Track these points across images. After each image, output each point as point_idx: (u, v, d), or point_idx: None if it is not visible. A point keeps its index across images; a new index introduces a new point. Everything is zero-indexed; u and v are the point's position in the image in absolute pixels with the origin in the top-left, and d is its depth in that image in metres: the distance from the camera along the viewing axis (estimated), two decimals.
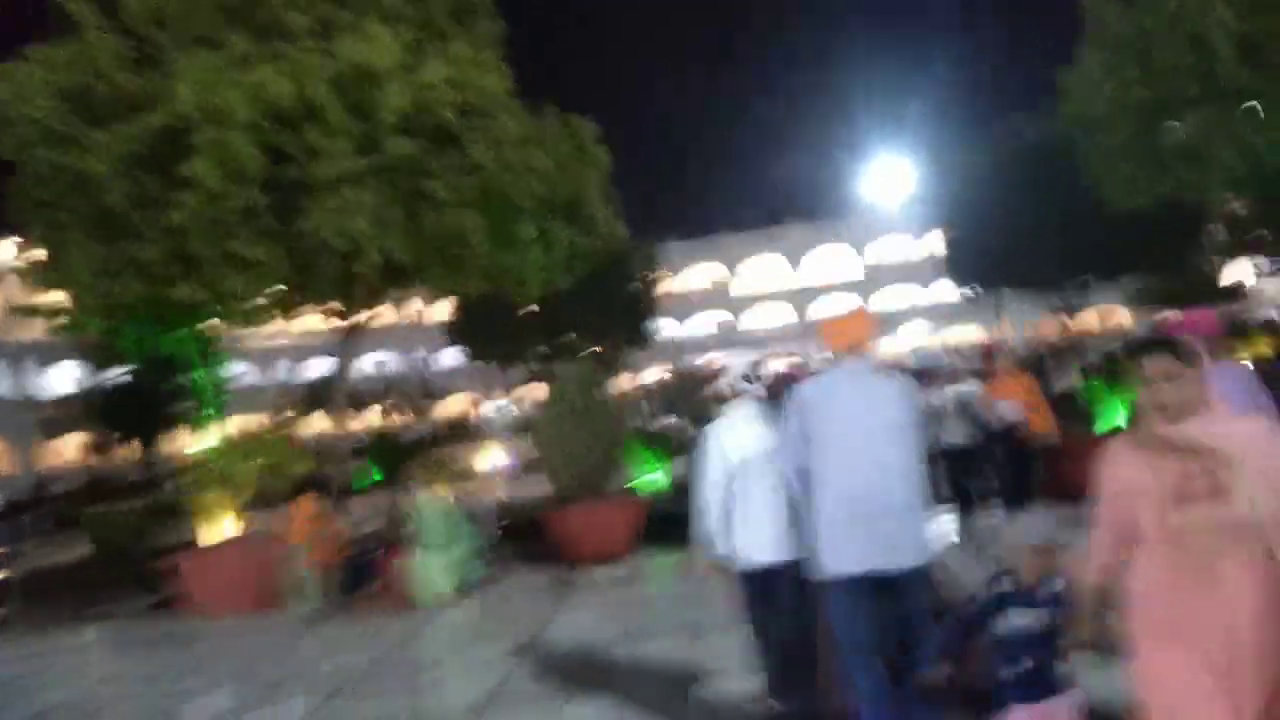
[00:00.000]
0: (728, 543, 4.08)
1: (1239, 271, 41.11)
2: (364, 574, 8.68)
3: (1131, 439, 2.52)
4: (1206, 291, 42.99)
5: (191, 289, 10.70)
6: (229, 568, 9.26)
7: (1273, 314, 40.78)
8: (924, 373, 8.79)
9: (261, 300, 12.36)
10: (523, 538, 10.29)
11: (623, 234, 13.87)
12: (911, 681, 3.38)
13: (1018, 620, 2.88)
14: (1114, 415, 8.94)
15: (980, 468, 8.20)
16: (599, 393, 9.09)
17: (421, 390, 55.63)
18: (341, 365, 13.36)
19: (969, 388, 8.22)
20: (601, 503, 9.09)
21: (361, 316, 13.68)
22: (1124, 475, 2.43)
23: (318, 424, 52.11)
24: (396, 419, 53.22)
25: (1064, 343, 37.37)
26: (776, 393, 4.74)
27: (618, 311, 26.25)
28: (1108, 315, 47.59)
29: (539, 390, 47.60)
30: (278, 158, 10.10)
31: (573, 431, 8.87)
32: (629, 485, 10.40)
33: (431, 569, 8.12)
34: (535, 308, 23.97)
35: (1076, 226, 23.14)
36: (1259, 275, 39.41)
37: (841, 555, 3.43)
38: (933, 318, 56.33)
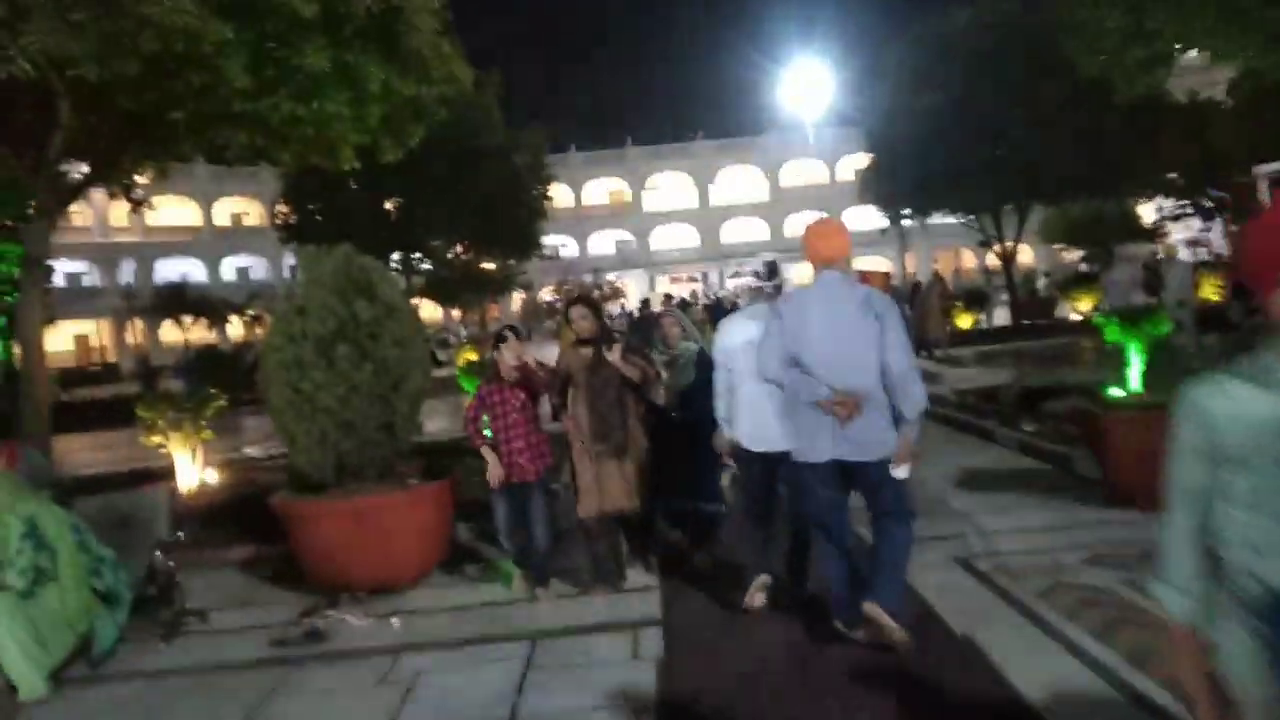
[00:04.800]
0: (733, 428, 4.59)
1: (1150, 211, 39.50)
2: None
3: None
4: (1125, 229, 41.32)
5: None
6: None
7: (1187, 256, 39.64)
8: None
9: None
10: (271, 540, 6.31)
11: (466, 81, 9.73)
12: (884, 547, 3.91)
13: None
14: None
15: None
16: (376, 306, 5.19)
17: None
18: (35, 256, 8.88)
19: None
20: (374, 494, 5.33)
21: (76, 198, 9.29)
22: None
23: (169, 333, 46.28)
24: (258, 332, 47.62)
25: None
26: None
27: (499, 213, 21.86)
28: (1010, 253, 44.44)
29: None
30: None
31: (324, 375, 5.02)
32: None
33: (5, 640, 4.19)
34: (389, 204, 19.53)
35: (1024, 139, 20.16)
36: (1164, 217, 37.74)
37: (812, 446, 3.86)
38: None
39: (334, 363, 5.00)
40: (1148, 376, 7.05)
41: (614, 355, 4.73)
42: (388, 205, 19.41)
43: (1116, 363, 8.60)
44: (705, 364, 5.12)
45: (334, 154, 9.96)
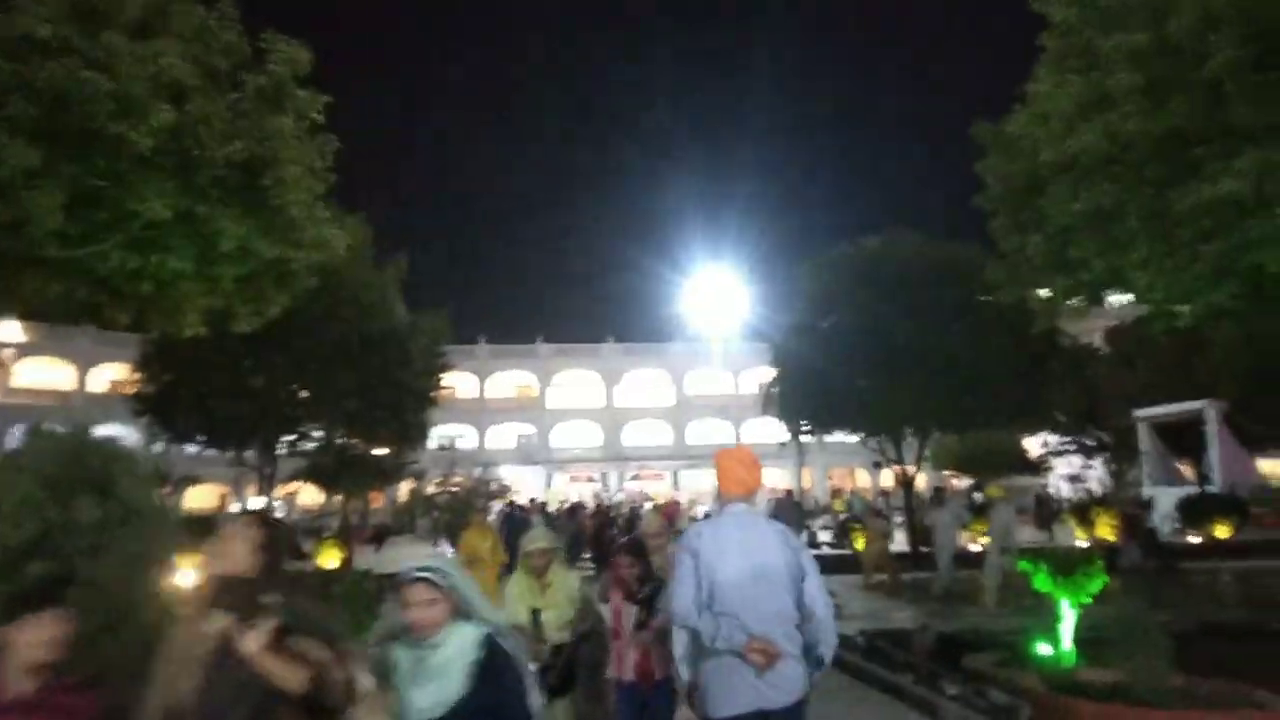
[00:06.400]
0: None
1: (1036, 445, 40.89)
2: None
3: None
4: (1009, 461, 42.52)
5: None
6: None
7: (1066, 490, 40.79)
8: None
9: None
10: None
11: (339, 248, 8.74)
12: None
13: None
14: None
15: None
16: (109, 507, 3.79)
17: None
18: None
19: None
20: None
21: None
22: None
23: None
24: None
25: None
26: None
27: (386, 399, 20.48)
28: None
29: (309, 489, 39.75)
30: None
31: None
32: None
33: None
34: (267, 380, 18.00)
35: (925, 368, 20.35)
36: (1049, 452, 39.24)
37: (732, 697, 3.56)
38: None
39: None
40: (1097, 643, 6.10)
41: (250, 642, 2.46)
42: (264, 381, 17.89)
43: (1042, 614, 7.69)
44: (495, 663, 2.70)
45: (177, 318, 8.71)
